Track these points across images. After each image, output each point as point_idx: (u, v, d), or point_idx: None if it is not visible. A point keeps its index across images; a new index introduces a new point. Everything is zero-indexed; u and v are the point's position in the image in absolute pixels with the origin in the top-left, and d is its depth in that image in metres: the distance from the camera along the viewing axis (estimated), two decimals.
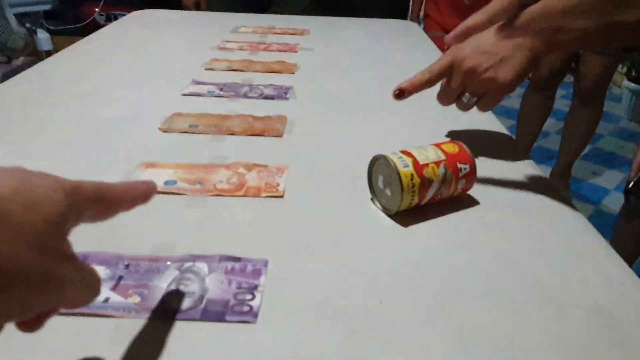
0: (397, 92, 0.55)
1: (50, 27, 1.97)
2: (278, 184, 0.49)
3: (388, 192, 0.46)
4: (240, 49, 1.01)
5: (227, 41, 1.06)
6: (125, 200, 0.27)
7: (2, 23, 1.58)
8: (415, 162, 0.44)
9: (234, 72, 0.86)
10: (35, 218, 0.21)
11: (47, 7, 1.57)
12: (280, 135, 0.61)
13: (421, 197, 0.45)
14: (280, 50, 1.01)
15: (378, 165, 0.47)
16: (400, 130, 0.65)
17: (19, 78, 0.80)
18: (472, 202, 0.49)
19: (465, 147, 0.48)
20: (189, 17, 1.32)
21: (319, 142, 0.60)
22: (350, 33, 1.18)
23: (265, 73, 0.86)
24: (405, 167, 0.43)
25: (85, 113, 0.67)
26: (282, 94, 0.76)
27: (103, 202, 0.26)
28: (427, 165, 0.44)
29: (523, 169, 0.56)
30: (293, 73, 0.87)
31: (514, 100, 2.29)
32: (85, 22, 2.15)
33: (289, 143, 0.60)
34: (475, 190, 0.49)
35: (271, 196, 0.48)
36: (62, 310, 0.25)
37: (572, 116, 1.93)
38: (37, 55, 1.75)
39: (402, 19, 1.61)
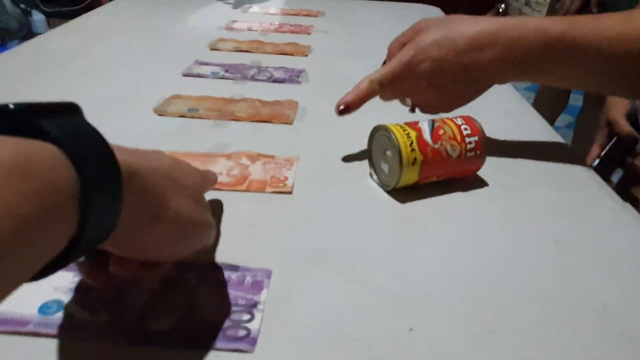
0: (341, 107, 0.45)
1: (46, 9, 1.90)
2: (286, 178, 0.42)
3: (385, 165, 0.41)
4: (250, 29, 0.94)
5: (235, 21, 0.99)
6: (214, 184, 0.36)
7: None
8: (420, 136, 0.39)
9: (241, 52, 0.79)
10: (192, 182, 0.29)
11: None
12: (290, 123, 0.54)
13: (424, 175, 0.40)
14: (293, 32, 0.94)
15: (378, 137, 0.42)
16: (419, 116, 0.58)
17: (9, 53, 0.74)
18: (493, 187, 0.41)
19: (475, 120, 0.42)
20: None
21: (332, 131, 0.53)
22: (369, 16, 1.10)
23: (275, 55, 0.79)
24: (407, 138, 0.39)
25: (75, 92, 0.60)
26: (293, 77, 0.69)
27: (211, 184, 0.35)
28: (435, 138, 0.40)
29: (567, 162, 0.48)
30: (306, 55, 0.80)
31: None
32: (82, 5, 2.08)
33: (300, 131, 0.53)
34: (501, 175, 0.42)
35: (278, 192, 0.41)
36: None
37: (581, 122, 1.83)
38: (31, 38, 1.69)
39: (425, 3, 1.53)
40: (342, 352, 0.26)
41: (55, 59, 0.72)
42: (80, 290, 0.29)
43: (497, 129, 0.53)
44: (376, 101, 0.46)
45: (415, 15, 1.17)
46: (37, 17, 1.75)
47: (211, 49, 0.80)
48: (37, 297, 0.28)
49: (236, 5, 1.13)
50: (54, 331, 0.26)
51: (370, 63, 0.77)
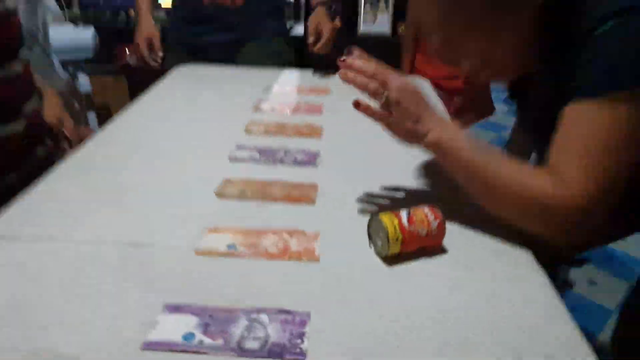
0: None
1: (89, 70, 2.16)
2: (314, 249, 0.64)
3: (379, 241, 0.63)
4: (272, 110, 1.17)
5: (261, 100, 1.23)
6: None
7: (48, 68, 1.77)
8: (400, 223, 0.62)
9: (270, 134, 1.02)
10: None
11: (89, 55, 1.75)
12: (313, 203, 0.76)
13: (404, 248, 0.62)
14: (308, 111, 1.17)
15: (374, 222, 0.65)
16: (419, 194, 0.80)
17: (86, 148, 0.97)
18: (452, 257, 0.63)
19: (436, 208, 0.65)
20: (225, 73, 1.49)
21: (347, 208, 0.75)
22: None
23: (295, 138, 1.02)
24: (390, 223, 0.61)
25: (149, 179, 0.83)
26: (311, 160, 0.91)
27: None
28: (410, 223, 0.62)
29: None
30: (320, 137, 1.03)
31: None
32: (119, 64, 2.35)
33: (321, 210, 0.75)
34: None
35: (310, 260, 0.62)
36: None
37: None
38: (76, 97, 1.92)
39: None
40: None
41: (126, 148, 0.95)
42: (203, 326, 0.51)
43: (459, 215, 0.75)
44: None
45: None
46: (82, 78, 2.00)
47: (246, 132, 1.03)
48: (181, 330, 0.50)
49: (259, 82, 1.37)
50: (193, 349, 0.48)
51: (374, 142, 0.98)
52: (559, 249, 0.82)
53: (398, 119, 0.68)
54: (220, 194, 0.77)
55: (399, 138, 0.71)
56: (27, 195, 0.74)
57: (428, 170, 0.88)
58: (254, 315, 0.52)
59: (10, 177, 0.85)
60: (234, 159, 0.91)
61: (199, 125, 1.07)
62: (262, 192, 0.78)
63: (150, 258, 0.61)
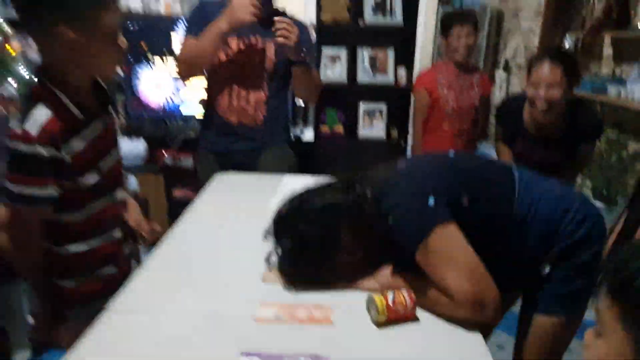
0: None
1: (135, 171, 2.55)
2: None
3: (372, 312, 0.94)
4: None
5: None
6: None
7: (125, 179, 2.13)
8: (387, 303, 0.92)
9: None
10: None
11: (141, 162, 2.13)
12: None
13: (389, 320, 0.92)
14: None
15: (369, 301, 0.95)
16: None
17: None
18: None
19: (412, 292, 0.95)
20: (258, 181, 1.85)
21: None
22: None
23: None
24: (380, 304, 0.92)
25: (215, 275, 1.16)
26: None
27: None
28: (394, 303, 0.93)
29: None
30: None
31: None
32: (159, 165, 2.78)
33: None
34: None
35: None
36: None
37: None
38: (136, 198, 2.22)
39: None
40: None
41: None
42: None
43: None
44: None
45: None
46: (131, 179, 2.37)
47: None
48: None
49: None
50: None
51: None
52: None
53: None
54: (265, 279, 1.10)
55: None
56: (130, 283, 1.07)
57: None
58: None
59: (110, 268, 1.19)
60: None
61: (243, 228, 1.42)
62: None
63: (223, 322, 0.94)
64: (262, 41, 1.81)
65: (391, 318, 0.93)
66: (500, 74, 5.37)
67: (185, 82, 2.53)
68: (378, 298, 0.93)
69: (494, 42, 6.21)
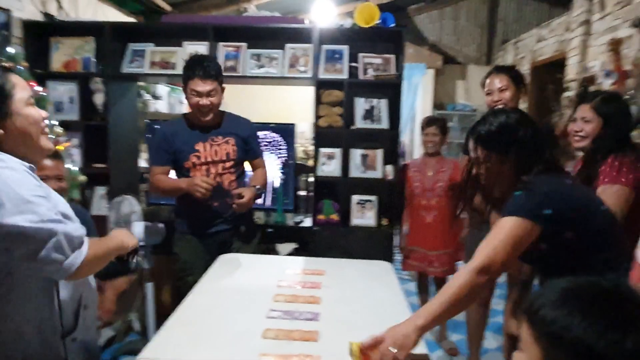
0: None
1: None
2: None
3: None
4: (289, 287, 1.83)
5: (281, 280, 1.90)
6: None
7: None
8: (362, 349, 1.20)
9: (289, 301, 1.66)
10: None
11: (158, 241, 2.39)
12: (315, 340, 1.37)
13: None
14: (312, 287, 1.83)
15: (350, 347, 1.23)
16: None
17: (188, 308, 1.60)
18: None
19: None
20: (257, 260, 2.18)
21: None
22: (350, 271, 2.01)
23: (305, 304, 1.65)
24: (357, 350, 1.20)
25: (231, 329, 1.45)
26: (315, 317, 1.54)
27: None
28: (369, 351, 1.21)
29: None
30: (319, 303, 1.66)
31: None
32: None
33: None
34: None
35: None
36: None
37: None
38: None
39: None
40: None
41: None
42: None
43: None
44: None
45: (372, 266, 2.07)
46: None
47: (274, 301, 1.67)
48: None
49: (281, 266, 2.06)
50: None
51: (360, 304, 1.60)
52: None
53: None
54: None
55: None
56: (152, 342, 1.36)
57: None
58: None
59: None
60: (270, 317, 1.54)
61: (246, 296, 1.72)
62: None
63: None
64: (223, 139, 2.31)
65: None
66: None
67: None
68: (355, 345, 1.19)
69: None
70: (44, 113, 1.21)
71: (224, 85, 2.28)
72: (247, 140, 2.38)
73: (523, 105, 3.89)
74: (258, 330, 1.42)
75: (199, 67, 2.17)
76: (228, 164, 2.32)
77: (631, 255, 1.26)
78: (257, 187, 2.30)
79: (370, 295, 1.78)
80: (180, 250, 2.35)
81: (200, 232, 2.33)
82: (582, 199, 1.40)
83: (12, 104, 1.12)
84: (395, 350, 1.15)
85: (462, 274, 1.25)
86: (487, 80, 2.29)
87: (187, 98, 2.25)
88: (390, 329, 1.21)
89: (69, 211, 1.16)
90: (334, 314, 1.58)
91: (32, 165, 1.13)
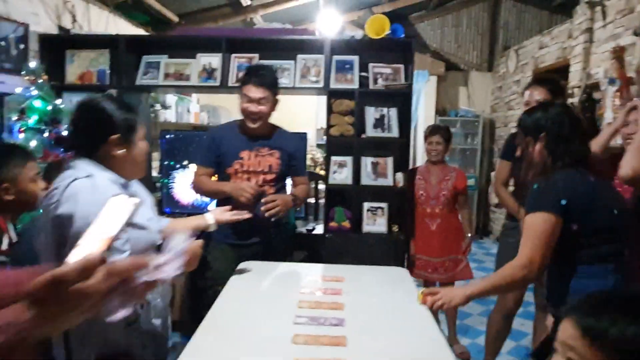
0: None
1: None
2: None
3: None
4: (312, 294, 1.88)
5: (303, 287, 1.94)
6: None
7: None
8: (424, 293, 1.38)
9: (313, 308, 1.71)
10: None
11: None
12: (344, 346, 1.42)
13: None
14: (334, 293, 1.88)
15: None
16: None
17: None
18: None
19: None
20: (276, 267, 2.23)
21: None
22: (372, 279, 2.07)
23: (331, 310, 1.70)
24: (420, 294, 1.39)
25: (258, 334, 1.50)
26: (340, 322, 1.59)
27: None
28: None
29: None
30: (343, 309, 1.71)
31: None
32: None
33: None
34: None
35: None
36: None
37: (539, 323, 2.60)
38: None
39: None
40: None
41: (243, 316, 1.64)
42: None
43: None
44: None
45: (389, 272, 2.16)
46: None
47: (299, 307, 1.72)
48: None
49: (303, 273, 2.11)
50: None
51: (381, 310, 1.65)
52: None
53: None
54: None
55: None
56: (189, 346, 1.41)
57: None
58: None
59: None
60: (297, 323, 1.59)
61: (270, 302, 1.77)
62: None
63: None
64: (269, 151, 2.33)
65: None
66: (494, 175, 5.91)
67: None
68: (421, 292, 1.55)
69: (489, 147, 6.85)
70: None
71: (277, 97, 2.29)
72: (293, 156, 2.39)
73: None
74: (287, 336, 1.47)
75: (254, 74, 2.21)
76: (269, 177, 2.31)
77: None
78: (295, 196, 2.32)
79: (391, 300, 1.83)
80: (213, 259, 2.34)
81: (235, 242, 2.32)
82: (592, 194, 1.51)
83: (135, 136, 1.44)
84: (444, 301, 1.50)
85: (509, 267, 1.50)
86: (527, 92, 2.33)
87: (240, 104, 2.26)
88: (447, 289, 1.67)
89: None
90: (358, 320, 1.63)
91: (126, 182, 1.43)
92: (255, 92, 2.19)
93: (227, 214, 1.98)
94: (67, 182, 1.29)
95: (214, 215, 1.93)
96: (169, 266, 0.78)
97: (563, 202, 1.45)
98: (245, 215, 2.02)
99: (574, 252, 1.50)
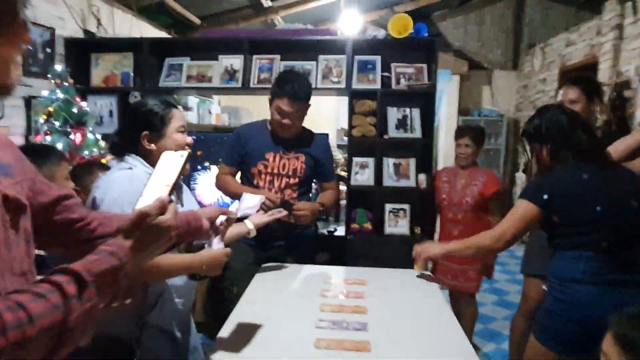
0: None
1: None
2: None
3: None
4: (334, 296, 1.86)
5: (324, 289, 1.92)
6: None
7: None
8: None
9: (334, 311, 1.69)
10: None
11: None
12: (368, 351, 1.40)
13: None
14: (357, 297, 1.85)
15: None
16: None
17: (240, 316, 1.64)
18: None
19: None
20: (298, 269, 2.21)
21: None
22: (392, 281, 2.03)
23: (351, 314, 1.68)
24: None
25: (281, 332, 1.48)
26: (363, 327, 1.56)
27: None
28: None
29: None
30: (366, 313, 1.68)
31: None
32: None
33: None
34: None
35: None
36: None
37: None
38: None
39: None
40: None
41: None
42: None
43: None
44: None
45: (412, 275, 2.12)
46: None
47: (320, 310, 1.70)
48: None
49: (322, 275, 2.09)
50: None
51: (402, 313, 1.62)
52: None
53: None
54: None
55: None
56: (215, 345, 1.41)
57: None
58: None
59: None
60: (319, 327, 1.57)
61: (292, 305, 1.76)
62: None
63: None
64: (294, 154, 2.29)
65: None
66: (520, 176, 5.81)
67: None
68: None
69: (513, 147, 6.73)
70: (188, 139, 1.54)
71: (309, 102, 2.24)
72: (320, 161, 2.33)
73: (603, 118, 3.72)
74: (309, 340, 1.45)
75: (289, 87, 2.12)
76: (293, 180, 2.28)
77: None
78: (322, 204, 2.29)
79: (415, 304, 1.79)
80: (231, 258, 2.33)
81: (256, 243, 2.27)
82: (576, 191, 1.65)
83: (168, 129, 1.48)
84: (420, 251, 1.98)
85: (483, 234, 1.83)
86: (561, 91, 2.28)
87: (271, 111, 2.21)
88: (427, 243, 2.11)
89: None
90: (381, 325, 1.60)
91: None
92: (289, 106, 2.14)
93: (264, 217, 2.00)
94: (111, 172, 1.45)
95: (252, 220, 1.96)
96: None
97: (545, 196, 1.66)
98: (280, 214, 2.04)
99: (553, 238, 1.72)
